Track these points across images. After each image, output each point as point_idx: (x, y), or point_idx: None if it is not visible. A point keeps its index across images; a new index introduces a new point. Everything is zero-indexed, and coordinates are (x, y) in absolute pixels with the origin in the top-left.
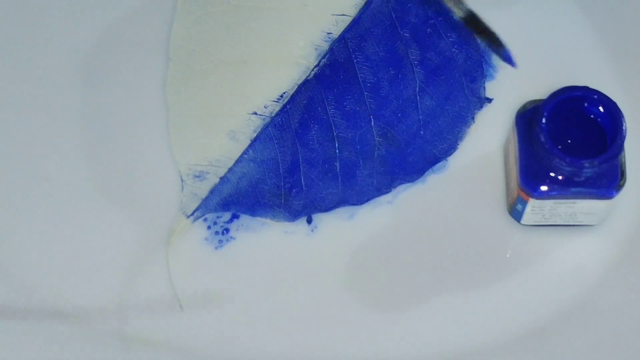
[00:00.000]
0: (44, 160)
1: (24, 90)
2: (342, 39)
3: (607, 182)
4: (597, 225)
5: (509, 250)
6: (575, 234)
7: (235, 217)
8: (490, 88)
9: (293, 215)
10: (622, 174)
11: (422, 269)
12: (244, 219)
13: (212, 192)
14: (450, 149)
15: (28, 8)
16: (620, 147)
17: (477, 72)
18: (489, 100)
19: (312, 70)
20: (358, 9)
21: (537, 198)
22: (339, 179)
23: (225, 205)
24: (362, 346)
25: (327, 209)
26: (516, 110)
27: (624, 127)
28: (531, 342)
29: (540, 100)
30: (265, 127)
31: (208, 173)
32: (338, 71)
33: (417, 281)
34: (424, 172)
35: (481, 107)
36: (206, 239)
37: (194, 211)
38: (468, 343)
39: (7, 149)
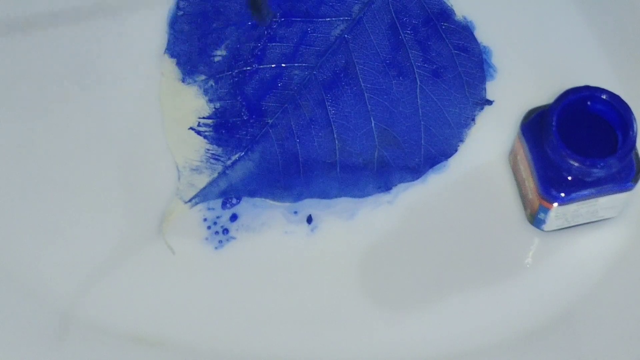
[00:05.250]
0: (45, 160)
1: (26, 89)
2: (343, 39)
3: (626, 175)
4: (607, 221)
5: (510, 249)
6: (581, 230)
7: (235, 217)
8: (491, 88)
9: (293, 199)
10: (638, 164)
11: (422, 268)
12: (244, 218)
13: (210, 184)
14: (451, 150)
15: (34, 21)
16: (635, 138)
17: (478, 74)
18: (490, 102)
19: (313, 70)
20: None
21: (560, 204)
22: (339, 179)
23: (223, 194)
24: (362, 346)
25: (328, 197)
26: (516, 111)
27: (633, 118)
28: (531, 342)
29: (541, 107)
30: (265, 128)
31: (205, 168)
32: (338, 71)
33: (417, 281)
34: (424, 173)
35: (482, 108)
36: (206, 239)
37: (192, 198)
38: (468, 343)
39: (13, 136)
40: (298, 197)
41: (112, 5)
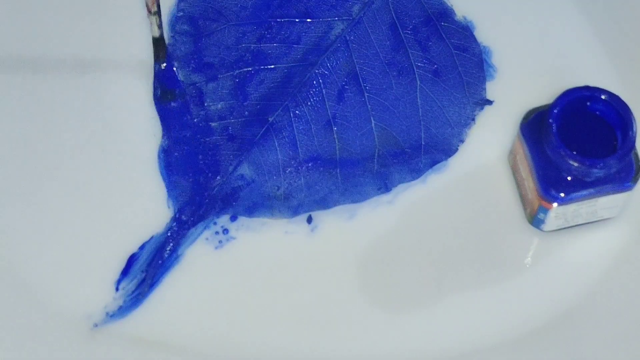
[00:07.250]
0: (44, 162)
1: (25, 91)
2: (344, 39)
3: (625, 175)
4: (607, 221)
5: (510, 249)
6: (581, 230)
7: (235, 217)
8: (491, 88)
9: (292, 212)
10: (637, 164)
11: (422, 268)
12: (244, 219)
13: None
14: (451, 150)
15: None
16: (634, 138)
17: (478, 74)
18: (490, 102)
19: (313, 70)
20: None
21: (560, 204)
22: (339, 179)
23: (222, 210)
24: (362, 346)
25: (327, 207)
26: (516, 111)
27: (633, 118)
28: (531, 342)
29: (541, 107)
30: (266, 126)
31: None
32: (339, 72)
33: (417, 281)
34: (424, 173)
35: (482, 108)
36: (206, 239)
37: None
38: (468, 343)
39: (13, 137)
40: (296, 211)
41: (112, 5)
